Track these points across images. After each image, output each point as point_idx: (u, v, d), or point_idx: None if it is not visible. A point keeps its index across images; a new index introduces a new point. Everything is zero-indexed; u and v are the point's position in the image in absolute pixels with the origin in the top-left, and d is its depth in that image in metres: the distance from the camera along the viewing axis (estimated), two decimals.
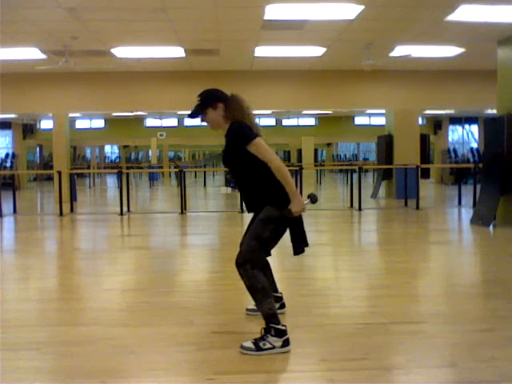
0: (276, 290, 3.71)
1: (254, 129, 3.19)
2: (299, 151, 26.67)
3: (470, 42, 9.34)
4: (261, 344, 3.03)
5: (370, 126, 25.85)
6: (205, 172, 21.97)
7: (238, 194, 10.62)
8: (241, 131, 3.15)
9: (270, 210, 3.15)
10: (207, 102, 3.28)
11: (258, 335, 3.09)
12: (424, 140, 13.99)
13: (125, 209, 10.56)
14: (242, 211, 9.87)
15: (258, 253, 3.18)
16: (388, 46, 9.72)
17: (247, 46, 9.75)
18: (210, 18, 7.75)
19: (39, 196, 17.79)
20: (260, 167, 3.11)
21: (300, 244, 3.25)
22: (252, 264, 3.10)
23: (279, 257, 4.85)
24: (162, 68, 11.69)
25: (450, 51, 10.08)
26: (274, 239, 3.25)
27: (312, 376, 2.85)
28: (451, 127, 22.68)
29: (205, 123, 3.39)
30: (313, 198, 3.25)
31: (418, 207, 10.57)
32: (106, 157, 37.27)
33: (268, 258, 3.48)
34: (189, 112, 3.43)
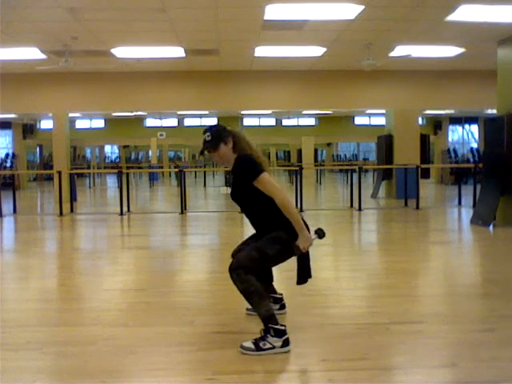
0: (275, 291, 3.72)
1: (260, 161, 3.21)
2: (299, 151, 26.66)
3: (470, 42, 9.34)
4: (261, 344, 3.03)
5: (370, 126, 25.86)
6: (205, 172, 21.97)
7: None
8: (247, 167, 3.18)
9: (281, 232, 3.16)
10: (220, 137, 3.28)
11: (258, 335, 3.09)
12: (424, 140, 13.99)
13: (125, 209, 10.56)
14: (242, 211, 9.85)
15: (255, 264, 3.15)
16: (388, 46, 9.73)
17: (247, 46, 9.75)
18: (210, 18, 7.76)
19: (39, 196, 17.79)
20: (268, 200, 3.14)
21: (304, 275, 3.27)
22: (245, 270, 3.09)
23: None
24: (162, 68, 11.69)
25: (450, 51, 10.08)
26: (274, 261, 3.29)
27: (312, 376, 2.85)
28: (451, 127, 22.69)
29: (207, 153, 3.36)
30: (320, 234, 3.26)
31: (417, 207, 10.57)
32: (106, 157, 37.25)
33: None
34: (198, 155, 3.42)
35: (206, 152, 3.34)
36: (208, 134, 3.29)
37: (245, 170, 3.18)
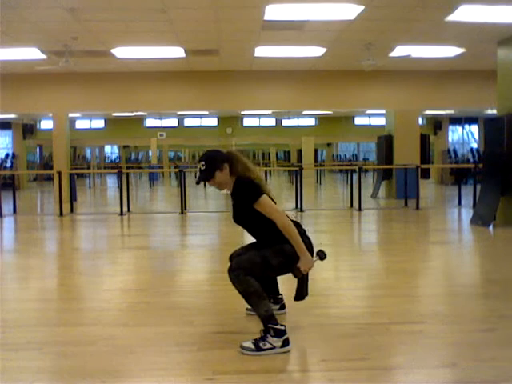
0: (278, 292, 3.72)
1: (259, 182, 3.21)
2: (299, 151, 26.66)
3: (470, 42, 9.35)
4: (261, 344, 3.03)
5: (370, 126, 25.86)
6: None
7: None
8: (246, 190, 3.18)
9: (286, 245, 3.14)
10: (214, 166, 3.26)
11: (258, 335, 3.09)
12: (424, 140, 13.99)
13: (125, 209, 10.56)
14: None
15: (256, 269, 3.14)
16: (388, 46, 9.73)
17: (247, 46, 9.75)
18: (210, 18, 7.76)
19: (39, 196, 17.79)
20: (270, 221, 3.13)
21: (302, 292, 3.26)
22: (245, 272, 3.09)
23: None
24: (162, 68, 11.69)
25: (450, 51, 10.08)
26: (276, 272, 3.29)
27: (312, 376, 2.85)
28: (451, 127, 22.68)
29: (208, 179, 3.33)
30: (321, 256, 3.26)
31: (417, 207, 10.57)
32: (106, 157, 37.23)
33: None
34: (195, 183, 3.46)
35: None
36: (202, 163, 3.26)
37: (244, 194, 3.19)
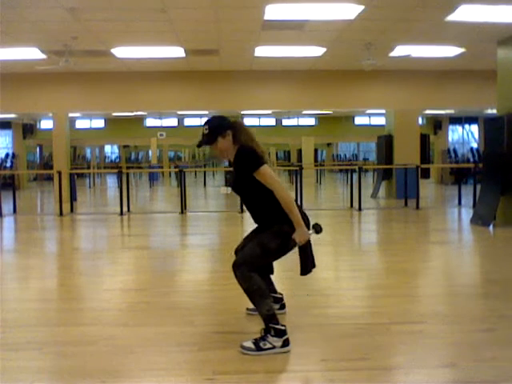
0: (275, 291, 3.71)
1: (261, 153, 3.19)
2: (299, 151, 26.65)
3: (470, 42, 9.35)
4: (261, 344, 3.03)
5: (370, 126, 25.87)
6: (205, 172, 21.96)
7: None
8: (247, 158, 3.16)
9: (282, 226, 3.14)
10: (217, 131, 3.25)
11: (258, 335, 3.09)
12: (424, 140, 13.99)
13: (125, 209, 10.56)
14: (242, 211, 9.86)
15: (258, 260, 3.17)
16: (388, 46, 9.73)
17: (247, 46, 9.75)
18: (210, 18, 7.76)
19: (39, 196, 17.79)
20: (269, 192, 3.12)
21: (307, 265, 3.26)
22: (249, 267, 3.09)
23: None
24: (162, 68, 11.69)
25: (450, 51, 10.09)
26: (277, 254, 3.26)
27: (312, 376, 2.85)
28: (451, 127, 22.68)
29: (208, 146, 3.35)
30: (317, 229, 3.26)
31: (417, 207, 10.57)
32: (106, 157, 37.21)
33: None
34: (196, 147, 3.43)
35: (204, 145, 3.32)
36: (206, 127, 3.27)
37: (245, 162, 3.16)
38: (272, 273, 3.61)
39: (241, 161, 3.20)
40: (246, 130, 3.28)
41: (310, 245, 3.26)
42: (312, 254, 3.29)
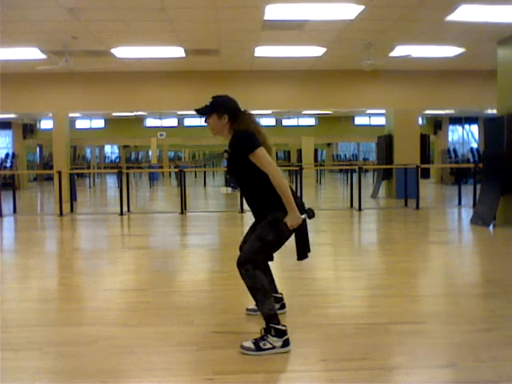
0: (276, 291, 3.71)
1: (258, 136, 3.17)
2: (299, 151, 26.66)
3: (470, 42, 9.35)
4: (261, 344, 3.02)
5: (370, 126, 25.85)
6: (205, 172, 21.97)
7: (238, 194, 10.61)
8: (243, 140, 3.14)
9: (277, 213, 3.13)
10: (215, 107, 3.27)
11: (258, 335, 3.09)
12: (424, 140, 13.99)
13: (125, 209, 10.56)
14: (242, 211, 9.87)
15: (261, 254, 3.17)
16: (388, 46, 9.73)
17: (247, 46, 9.76)
18: (210, 18, 7.76)
19: (39, 196, 17.79)
20: (264, 176, 3.10)
21: (303, 250, 3.25)
22: (253, 264, 3.09)
23: (279, 257, 4.84)
24: (162, 68, 11.70)
25: (450, 51, 10.09)
26: (278, 243, 3.25)
27: (312, 376, 2.85)
28: (451, 127, 22.67)
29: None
30: (310, 213, 3.25)
31: (417, 207, 10.57)
32: (106, 157, 37.26)
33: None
34: (192, 110, 3.43)
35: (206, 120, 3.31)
36: (211, 100, 3.30)
37: (242, 143, 3.14)
38: (272, 259, 3.55)
39: (237, 142, 3.18)
40: (250, 119, 3.26)
41: (306, 229, 3.25)
42: (307, 239, 3.27)
